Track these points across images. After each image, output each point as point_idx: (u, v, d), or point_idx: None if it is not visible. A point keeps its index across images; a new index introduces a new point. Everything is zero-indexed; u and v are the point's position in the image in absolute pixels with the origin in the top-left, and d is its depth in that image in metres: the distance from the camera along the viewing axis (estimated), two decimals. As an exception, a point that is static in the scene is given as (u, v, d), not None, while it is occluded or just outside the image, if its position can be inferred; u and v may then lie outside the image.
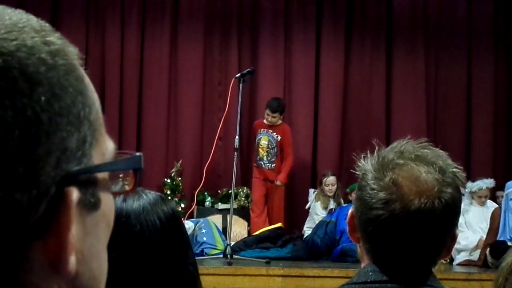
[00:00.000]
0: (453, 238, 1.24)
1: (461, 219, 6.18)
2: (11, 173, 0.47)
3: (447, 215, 1.19)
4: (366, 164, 1.26)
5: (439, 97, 8.06)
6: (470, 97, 8.04)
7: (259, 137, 6.86)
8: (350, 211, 1.29)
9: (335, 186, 6.95)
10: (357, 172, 1.28)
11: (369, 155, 1.27)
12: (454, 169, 1.23)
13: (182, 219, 5.12)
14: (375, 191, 1.20)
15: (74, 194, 0.50)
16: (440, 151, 1.27)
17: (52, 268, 0.50)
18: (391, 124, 7.87)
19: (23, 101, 0.48)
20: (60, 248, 0.50)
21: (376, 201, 1.19)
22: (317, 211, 6.92)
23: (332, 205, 6.92)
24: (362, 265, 1.28)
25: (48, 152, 0.49)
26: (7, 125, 0.47)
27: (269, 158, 6.85)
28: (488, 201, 6.43)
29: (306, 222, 6.97)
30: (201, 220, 6.07)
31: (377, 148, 1.27)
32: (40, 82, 0.49)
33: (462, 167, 1.25)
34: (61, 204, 0.50)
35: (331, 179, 6.96)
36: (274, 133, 6.86)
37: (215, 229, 5.88)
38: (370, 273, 1.22)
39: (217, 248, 5.67)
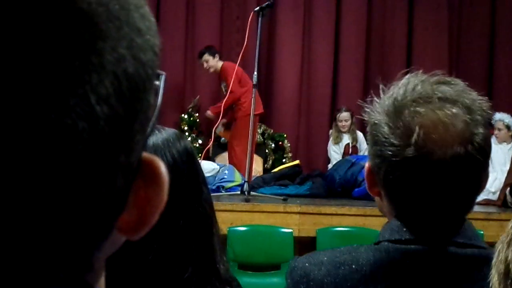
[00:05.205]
0: (486, 178, 1.11)
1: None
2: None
3: (481, 158, 1.06)
4: (377, 113, 1.09)
5: (462, 38, 7.90)
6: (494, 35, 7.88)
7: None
8: (366, 166, 1.15)
9: (349, 121, 6.90)
10: (366, 118, 1.12)
11: (378, 100, 1.11)
12: (479, 103, 1.09)
13: (200, 156, 5.02)
14: (396, 146, 1.06)
15: (162, 165, 0.43)
16: (459, 82, 1.12)
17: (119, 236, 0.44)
18: (412, 61, 7.75)
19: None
20: (139, 221, 0.43)
21: (399, 155, 1.06)
22: (331, 146, 6.95)
23: (347, 140, 6.90)
24: (387, 221, 1.17)
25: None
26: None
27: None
28: None
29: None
30: (228, 165, 6.05)
31: (384, 90, 1.11)
32: None
33: (485, 96, 1.12)
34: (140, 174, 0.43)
35: (344, 115, 6.91)
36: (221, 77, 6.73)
37: (237, 172, 5.84)
38: (395, 231, 1.11)
39: (235, 182, 5.63)
